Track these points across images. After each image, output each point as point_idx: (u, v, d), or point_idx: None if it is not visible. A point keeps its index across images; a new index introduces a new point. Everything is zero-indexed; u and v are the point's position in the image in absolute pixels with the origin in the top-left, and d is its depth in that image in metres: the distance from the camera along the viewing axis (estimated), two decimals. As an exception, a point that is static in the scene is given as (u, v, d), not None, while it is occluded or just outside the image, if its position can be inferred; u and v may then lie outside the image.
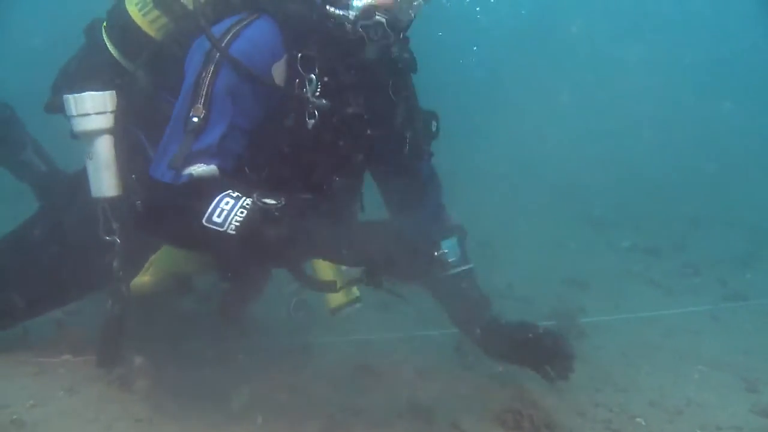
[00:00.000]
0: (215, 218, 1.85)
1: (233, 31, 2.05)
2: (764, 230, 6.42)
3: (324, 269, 2.37)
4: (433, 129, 2.53)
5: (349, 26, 2.04)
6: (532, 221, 6.18)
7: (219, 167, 1.98)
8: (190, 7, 2.25)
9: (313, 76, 2.09)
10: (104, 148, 2.31)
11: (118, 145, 2.32)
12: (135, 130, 2.34)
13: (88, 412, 2.23)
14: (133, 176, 2.28)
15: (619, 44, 14.58)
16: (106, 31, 2.41)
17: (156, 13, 2.29)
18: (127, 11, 2.34)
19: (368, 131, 2.31)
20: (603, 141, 9.51)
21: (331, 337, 3.16)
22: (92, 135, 2.30)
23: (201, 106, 1.97)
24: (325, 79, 2.12)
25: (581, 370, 3.07)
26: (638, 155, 9.59)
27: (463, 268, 2.65)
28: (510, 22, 14.87)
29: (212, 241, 1.87)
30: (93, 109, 2.28)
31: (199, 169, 1.94)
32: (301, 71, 2.08)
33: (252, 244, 1.87)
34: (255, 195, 1.89)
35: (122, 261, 2.38)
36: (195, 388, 2.46)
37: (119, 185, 2.33)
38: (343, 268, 2.27)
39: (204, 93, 1.98)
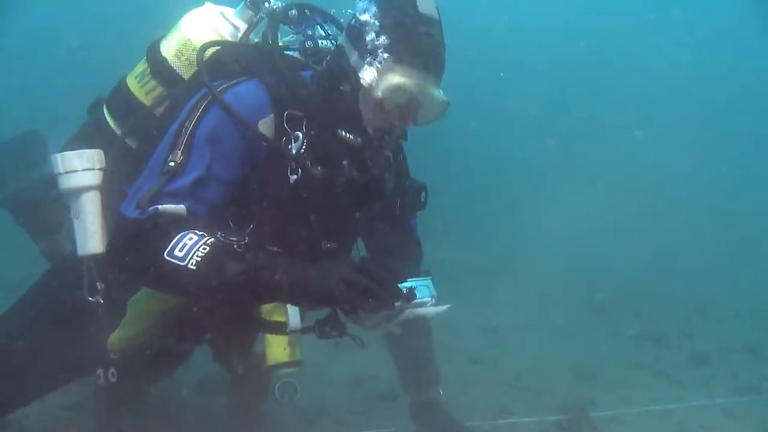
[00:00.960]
0: (176, 252, 1.83)
1: (224, 85, 2.12)
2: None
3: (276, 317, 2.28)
4: (422, 199, 2.57)
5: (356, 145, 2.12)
6: (538, 307, 6.12)
7: (188, 209, 1.97)
8: (185, 76, 2.31)
9: (299, 133, 2.12)
10: (91, 205, 2.29)
11: (105, 204, 2.30)
12: (124, 188, 2.26)
13: None
14: None
15: (634, 131, 14.90)
16: (106, 105, 2.47)
17: (153, 83, 2.36)
18: (127, 85, 2.41)
19: (353, 192, 2.29)
20: (607, 226, 9.54)
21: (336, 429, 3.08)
22: (79, 192, 2.29)
23: (179, 151, 1.99)
24: (312, 136, 2.14)
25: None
26: (642, 240, 9.60)
27: (442, 308, 2.26)
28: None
29: (172, 275, 1.84)
30: (80, 165, 2.28)
31: (165, 206, 1.94)
32: (286, 128, 2.12)
33: (212, 280, 1.82)
34: (219, 234, 1.91)
35: (105, 324, 2.30)
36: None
37: (105, 243, 2.26)
38: (291, 324, 2.19)
39: (184, 140, 2.01)
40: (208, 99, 2.06)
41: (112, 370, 2.31)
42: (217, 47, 2.27)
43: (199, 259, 1.81)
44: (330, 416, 3.32)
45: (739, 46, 17.20)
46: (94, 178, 2.30)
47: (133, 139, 2.39)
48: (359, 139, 2.12)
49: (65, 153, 2.30)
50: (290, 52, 2.34)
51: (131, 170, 2.24)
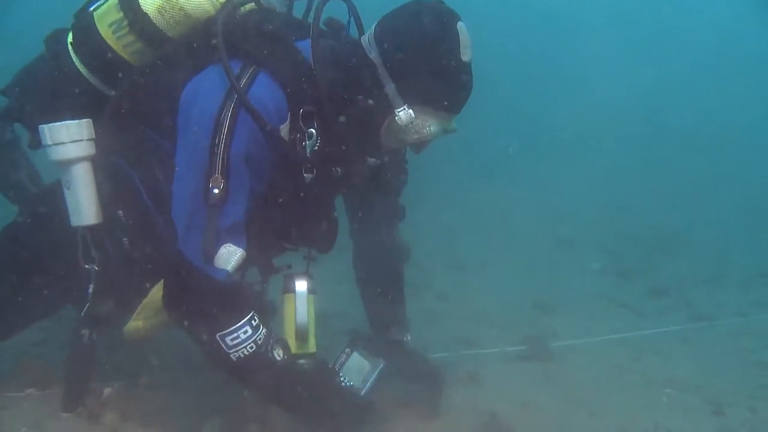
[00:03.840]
0: (228, 340, 2.03)
1: (244, 83, 2.01)
2: (728, 250, 6.56)
3: (289, 320, 2.36)
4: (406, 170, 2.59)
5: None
6: (505, 243, 6.23)
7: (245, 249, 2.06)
8: (170, 34, 2.17)
9: (312, 130, 2.08)
10: (82, 177, 2.25)
11: (97, 174, 2.28)
12: (117, 160, 2.30)
13: (53, 449, 2.17)
14: (120, 212, 2.29)
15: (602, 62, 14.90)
16: (73, 48, 2.26)
17: (131, 37, 2.17)
18: (98, 30, 2.19)
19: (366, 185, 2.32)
20: (570, 160, 9.63)
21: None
22: (69, 164, 2.25)
23: (219, 175, 1.97)
24: (325, 132, 2.12)
25: (552, 394, 3.11)
26: (604, 174, 9.74)
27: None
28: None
29: (216, 353, 2.05)
30: (68, 137, 2.21)
31: (232, 259, 2.02)
32: (302, 126, 2.08)
33: (244, 377, 2.12)
34: (272, 338, 2.12)
35: (98, 288, 2.33)
36: (165, 420, 2.43)
37: (99, 213, 2.28)
38: (298, 319, 2.33)
39: (221, 161, 1.97)
40: (234, 101, 1.99)
41: (97, 331, 2.36)
42: (219, 21, 2.07)
43: (242, 356, 2.03)
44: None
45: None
46: (82, 149, 2.24)
47: (125, 100, 2.26)
48: (379, 161, 2.20)
49: (52, 125, 2.21)
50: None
51: (126, 141, 2.26)
